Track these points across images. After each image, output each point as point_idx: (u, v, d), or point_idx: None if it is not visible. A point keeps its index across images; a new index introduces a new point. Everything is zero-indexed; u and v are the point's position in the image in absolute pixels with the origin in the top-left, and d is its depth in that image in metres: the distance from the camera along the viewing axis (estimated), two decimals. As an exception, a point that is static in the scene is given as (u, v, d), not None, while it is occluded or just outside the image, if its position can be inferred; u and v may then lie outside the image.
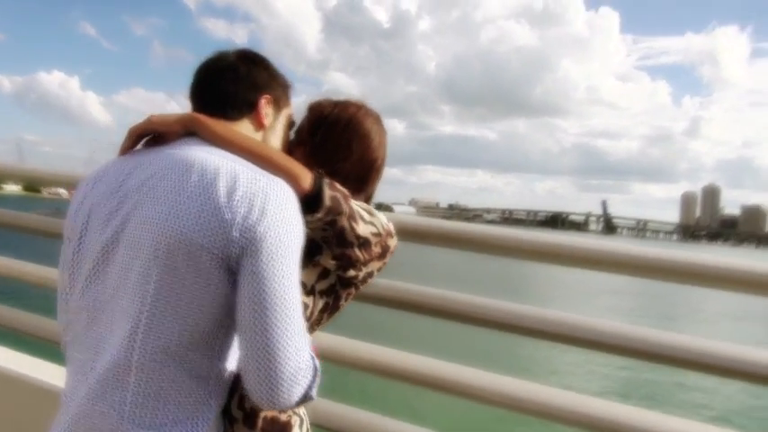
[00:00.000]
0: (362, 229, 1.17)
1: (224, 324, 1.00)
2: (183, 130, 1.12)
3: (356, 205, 1.18)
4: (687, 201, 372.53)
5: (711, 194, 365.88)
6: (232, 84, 1.17)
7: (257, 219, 0.96)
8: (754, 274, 1.30)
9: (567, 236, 1.52)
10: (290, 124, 1.30)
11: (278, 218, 0.98)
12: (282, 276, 0.97)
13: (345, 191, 1.16)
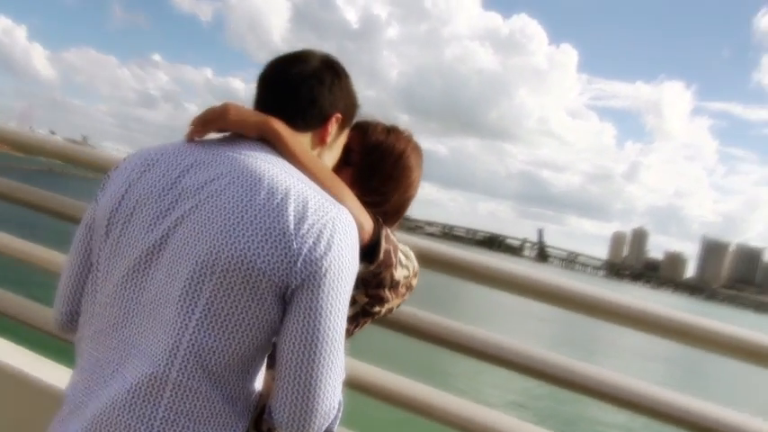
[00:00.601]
0: (398, 274, 1.19)
1: (263, 347, 0.97)
2: (256, 136, 1.05)
3: (399, 251, 1.19)
4: (617, 240, 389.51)
5: (640, 237, 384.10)
6: (312, 94, 1.09)
7: (323, 252, 0.93)
8: (669, 320, 1.39)
9: (503, 261, 1.57)
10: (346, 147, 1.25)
11: (341, 253, 0.95)
12: (336, 313, 0.94)
13: (395, 241, 1.18)
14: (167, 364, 0.92)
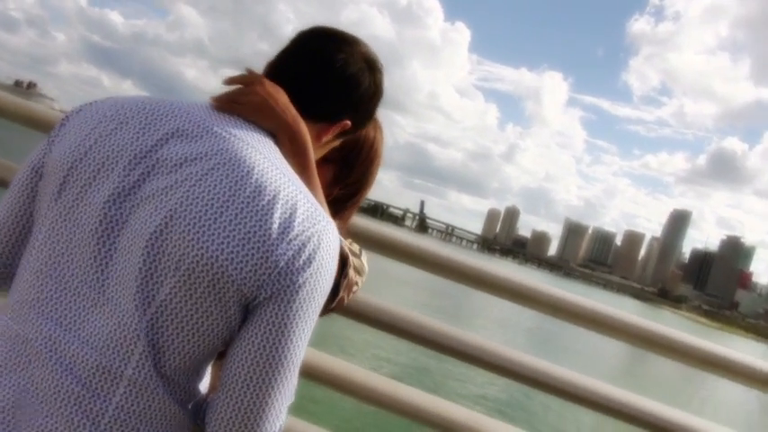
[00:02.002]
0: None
1: (217, 350, 0.89)
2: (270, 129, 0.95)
3: (351, 259, 1.18)
4: (491, 216, 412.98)
5: (512, 215, 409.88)
6: (345, 96, 1.01)
7: (302, 266, 0.84)
8: (525, 288, 1.52)
9: (384, 227, 1.62)
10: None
11: (321, 270, 0.87)
12: (301, 332, 0.86)
13: (357, 253, 1.20)
14: (123, 359, 0.82)
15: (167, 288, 0.82)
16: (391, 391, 1.59)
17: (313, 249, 0.85)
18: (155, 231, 0.82)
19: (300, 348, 0.87)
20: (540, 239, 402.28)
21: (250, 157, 0.87)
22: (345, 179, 1.23)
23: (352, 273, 1.18)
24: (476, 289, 1.56)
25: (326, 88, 1.00)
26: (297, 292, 0.84)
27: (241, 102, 0.94)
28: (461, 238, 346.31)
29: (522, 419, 10.52)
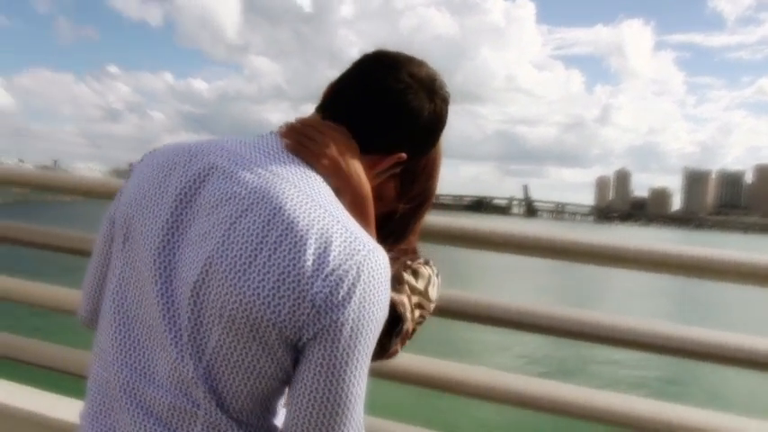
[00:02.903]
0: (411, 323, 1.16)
1: (282, 389, 0.89)
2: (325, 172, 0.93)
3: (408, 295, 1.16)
4: (601, 184, 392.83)
5: (623, 178, 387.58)
6: (403, 129, 0.98)
7: (341, 302, 0.80)
8: (663, 255, 1.40)
9: (496, 221, 1.58)
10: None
11: (365, 304, 0.82)
12: (353, 369, 0.82)
13: (419, 289, 1.16)
14: (191, 401, 0.83)
15: (216, 336, 0.82)
16: (559, 393, 1.50)
17: (352, 283, 0.81)
18: (197, 280, 0.82)
19: (357, 386, 0.83)
20: (660, 196, 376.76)
21: (283, 192, 0.84)
22: (408, 193, 1.17)
23: (409, 325, 1.14)
24: (585, 263, 1.48)
25: (383, 122, 0.97)
26: (340, 329, 0.80)
27: (311, 150, 0.94)
28: (574, 214, 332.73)
29: (702, 398, 9.21)
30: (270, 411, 0.89)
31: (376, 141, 0.98)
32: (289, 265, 0.80)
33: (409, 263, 1.23)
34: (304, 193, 0.85)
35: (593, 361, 10.91)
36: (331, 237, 0.82)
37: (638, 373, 10.49)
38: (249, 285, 0.80)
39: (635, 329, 1.43)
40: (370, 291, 0.83)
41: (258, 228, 0.82)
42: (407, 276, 1.19)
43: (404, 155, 1.00)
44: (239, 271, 0.80)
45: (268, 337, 0.81)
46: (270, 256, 0.80)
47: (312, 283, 0.79)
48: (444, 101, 1.02)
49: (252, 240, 0.81)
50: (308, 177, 0.89)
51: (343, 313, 0.80)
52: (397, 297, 1.11)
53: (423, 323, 1.22)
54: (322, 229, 0.82)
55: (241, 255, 0.81)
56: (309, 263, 0.80)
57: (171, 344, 0.84)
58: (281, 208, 0.83)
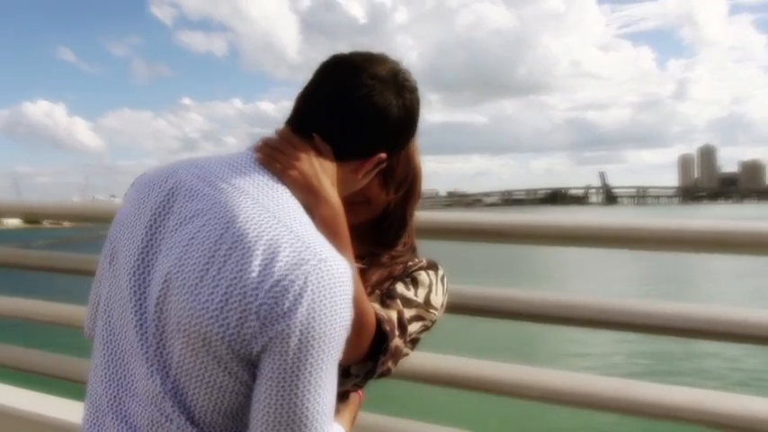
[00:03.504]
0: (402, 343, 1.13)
1: (248, 406, 0.86)
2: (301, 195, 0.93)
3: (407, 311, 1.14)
4: (684, 163, 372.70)
5: (708, 154, 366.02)
6: (375, 131, 0.98)
7: (286, 312, 0.78)
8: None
9: (574, 213, 1.54)
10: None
11: (314, 312, 0.79)
12: (307, 383, 0.79)
13: (401, 307, 1.13)
14: (163, 415, 0.84)
15: (177, 351, 0.82)
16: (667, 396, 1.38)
17: (298, 293, 0.78)
18: (159, 296, 0.84)
19: (314, 400, 0.80)
20: (753, 170, 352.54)
21: (239, 206, 0.84)
22: (392, 182, 1.18)
23: (397, 343, 1.10)
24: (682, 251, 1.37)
25: (353, 128, 0.96)
26: (287, 341, 0.78)
27: (282, 165, 0.94)
28: (658, 197, 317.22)
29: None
30: (244, 426, 0.86)
31: (351, 147, 0.98)
32: (236, 278, 0.79)
33: (410, 265, 1.22)
34: (261, 206, 0.85)
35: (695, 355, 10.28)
36: (279, 247, 0.80)
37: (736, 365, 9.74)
38: (199, 300, 0.80)
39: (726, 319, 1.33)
40: (320, 300, 0.80)
41: (211, 242, 0.82)
42: (401, 289, 1.16)
43: (383, 155, 1.01)
44: (191, 286, 0.81)
45: (220, 351, 0.80)
46: (219, 269, 0.80)
47: (257, 295, 0.78)
48: (412, 91, 1.01)
49: (204, 255, 0.81)
50: (272, 190, 0.89)
51: (288, 324, 0.78)
52: (384, 314, 1.09)
53: (427, 330, 1.20)
54: (271, 239, 0.81)
55: (194, 269, 0.81)
56: (255, 274, 0.78)
57: (143, 359, 0.85)
58: (233, 221, 0.82)
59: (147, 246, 0.89)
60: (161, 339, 0.84)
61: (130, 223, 0.93)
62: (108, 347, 0.92)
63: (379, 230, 1.22)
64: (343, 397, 1.14)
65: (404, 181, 1.20)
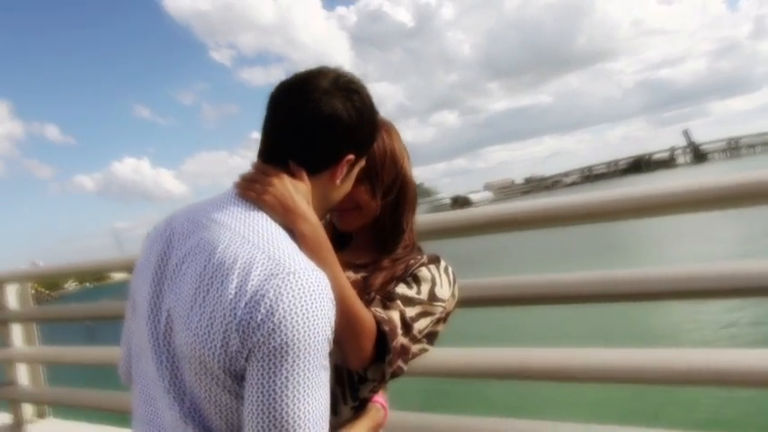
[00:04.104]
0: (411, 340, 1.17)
1: None
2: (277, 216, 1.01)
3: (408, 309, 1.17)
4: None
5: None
6: (332, 138, 1.05)
7: (261, 321, 0.84)
8: None
9: (661, 177, 1.51)
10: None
11: (285, 320, 0.84)
12: (288, 386, 0.83)
13: (402, 307, 1.16)
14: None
15: (187, 378, 0.90)
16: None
17: (270, 304, 0.84)
18: (165, 331, 0.94)
19: (298, 404, 0.83)
20: None
21: (218, 238, 0.93)
22: (379, 186, 1.25)
23: (402, 342, 1.13)
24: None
25: (312, 142, 1.03)
26: (264, 348, 0.83)
27: (257, 193, 1.02)
28: (752, 146, 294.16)
29: None
30: None
31: (317, 159, 1.05)
32: (217, 302, 0.87)
33: (412, 263, 1.24)
34: (237, 234, 0.93)
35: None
36: (252, 267, 0.88)
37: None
38: (191, 327, 0.88)
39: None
40: (291, 310, 0.85)
41: (197, 275, 0.91)
42: (401, 290, 1.18)
43: (351, 156, 1.07)
44: (185, 316, 0.90)
45: (216, 372, 0.87)
46: (204, 297, 0.88)
47: (235, 314, 0.85)
48: (357, 91, 1.07)
49: (192, 286, 0.91)
50: (249, 218, 0.97)
51: (263, 334, 0.83)
52: (384, 315, 1.12)
53: (443, 323, 1.24)
54: (245, 262, 0.88)
55: (186, 301, 0.91)
56: (232, 295, 0.86)
57: (163, 392, 0.94)
58: (213, 253, 0.91)
59: (156, 290, 0.99)
60: (173, 370, 0.93)
61: (142, 273, 1.04)
62: (139, 389, 1.02)
63: (378, 238, 1.29)
64: (365, 405, 1.21)
65: (392, 186, 1.27)
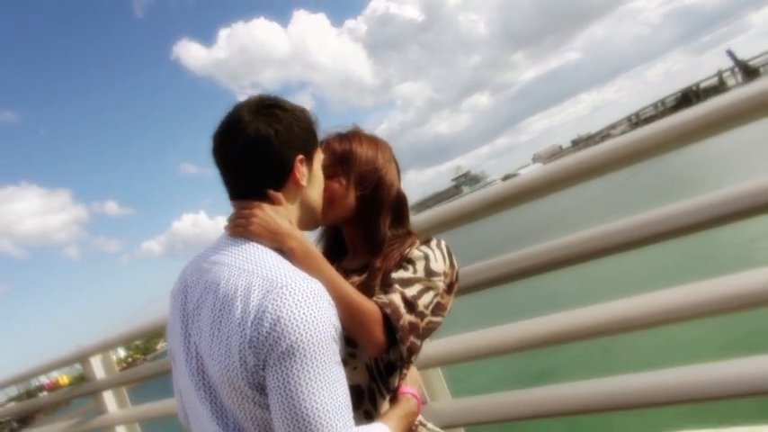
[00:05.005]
0: (418, 316, 1.23)
1: None
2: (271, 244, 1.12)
3: (418, 309, 1.23)
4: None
5: None
6: (271, 155, 1.13)
7: (269, 332, 0.94)
8: None
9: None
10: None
11: (290, 325, 0.94)
12: (302, 383, 0.93)
13: (403, 290, 1.22)
14: None
15: (225, 402, 1.01)
16: None
17: (272, 316, 0.94)
18: (197, 366, 1.06)
19: (315, 398, 0.91)
20: None
21: (219, 276, 1.05)
22: (351, 177, 1.34)
23: (409, 319, 1.19)
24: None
25: (259, 165, 1.13)
26: (274, 355, 0.93)
27: (243, 227, 1.13)
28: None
29: None
30: None
31: (273, 177, 1.15)
32: (229, 329, 0.98)
33: (404, 251, 1.30)
34: (234, 268, 1.05)
35: None
36: (250, 290, 0.99)
37: None
38: (214, 356, 1.00)
39: None
40: (292, 315, 0.94)
41: (209, 312, 1.03)
42: (396, 275, 1.25)
43: (300, 156, 1.16)
44: (208, 348, 1.02)
45: (244, 390, 0.98)
46: (218, 328, 1.00)
47: (245, 333, 0.96)
48: (276, 105, 1.16)
49: (208, 323, 1.03)
50: (241, 251, 1.09)
51: (271, 342, 0.93)
52: (385, 299, 1.19)
53: (450, 294, 1.29)
54: (244, 288, 1.00)
55: (206, 336, 1.03)
56: (239, 318, 0.97)
57: (209, 420, 1.04)
58: (218, 290, 1.03)
59: (185, 336, 1.11)
60: (212, 399, 1.03)
61: (172, 325, 1.16)
62: (193, 422, 1.13)
63: (366, 241, 1.36)
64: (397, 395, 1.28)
65: (366, 177, 1.34)
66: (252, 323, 0.96)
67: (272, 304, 0.96)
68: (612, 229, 1.68)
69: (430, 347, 2.14)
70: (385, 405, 1.28)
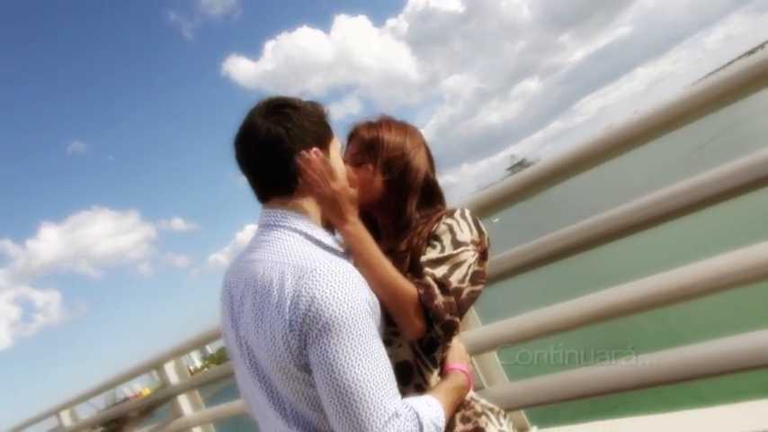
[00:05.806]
0: (454, 291, 1.23)
1: None
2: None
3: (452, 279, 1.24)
4: None
5: None
6: (280, 161, 1.17)
7: (306, 312, 1.00)
8: None
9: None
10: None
11: (325, 304, 0.99)
12: (342, 357, 0.97)
13: (435, 271, 1.23)
14: None
15: (279, 388, 1.07)
16: None
17: (307, 298, 1.00)
18: (249, 357, 1.12)
19: (356, 372, 0.96)
20: None
21: (255, 271, 1.11)
22: (378, 164, 1.36)
23: (442, 299, 1.19)
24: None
25: (275, 167, 1.17)
26: (313, 333, 0.99)
27: (318, 184, 1.18)
28: None
29: None
30: None
31: (292, 172, 1.17)
32: (270, 317, 1.04)
33: (434, 228, 1.30)
34: (267, 261, 1.11)
35: None
36: (284, 278, 1.05)
37: None
38: (261, 345, 1.06)
39: None
40: (325, 294, 1.00)
41: (251, 306, 1.10)
42: (425, 257, 1.25)
43: (317, 150, 1.18)
44: (255, 339, 1.08)
45: (293, 371, 1.03)
46: (261, 319, 1.06)
47: (285, 317, 1.01)
48: (287, 104, 1.19)
49: (252, 316, 1.09)
50: (271, 244, 1.14)
51: (309, 322, 0.99)
52: (418, 283, 1.20)
53: (485, 261, 1.30)
54: (279, 278, 1.06)
55: (252, 329, 1.09)
56: (277, 305, 1.03)
57: (269, 407, 1.10)
58: (256, 285, 1.10)
59: (236, 333, 1.17)
60: (268, 387, 1.09)
61: (225, 328, 1.23)
62: (256, 412, 1.19)
63: (393, 224, 1.38)
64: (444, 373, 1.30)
65: (393, 162, 1.36)
66: (289, 308, 1.01)
67: (305, 287, 1.01)
68: (664, 195, 1.62)
69: (482, 332, 2.13)
70: (434, 378, 1.31)
